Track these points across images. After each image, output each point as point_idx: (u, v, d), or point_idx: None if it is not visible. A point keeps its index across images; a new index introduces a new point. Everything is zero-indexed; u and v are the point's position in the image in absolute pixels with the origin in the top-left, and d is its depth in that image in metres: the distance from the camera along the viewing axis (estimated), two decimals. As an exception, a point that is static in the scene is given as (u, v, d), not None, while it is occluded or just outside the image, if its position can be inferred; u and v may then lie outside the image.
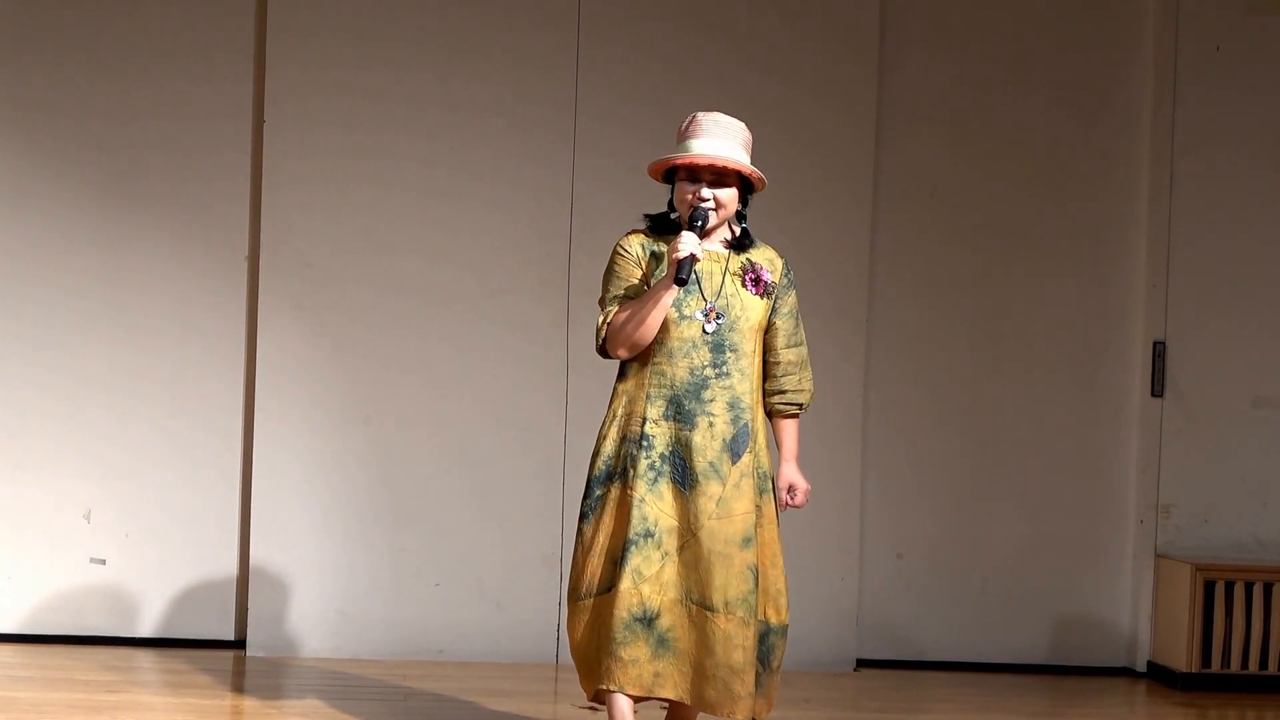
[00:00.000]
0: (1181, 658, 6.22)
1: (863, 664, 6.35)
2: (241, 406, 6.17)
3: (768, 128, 6.14)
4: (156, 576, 6.15)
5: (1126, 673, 6.46)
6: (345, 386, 6.15)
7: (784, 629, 4.44)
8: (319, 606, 6.12)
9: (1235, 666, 6.20)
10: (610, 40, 6.20)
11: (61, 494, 6.12)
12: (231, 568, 6.19)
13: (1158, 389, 6.43)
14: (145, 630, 6.16)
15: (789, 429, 4.52)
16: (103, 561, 6.14)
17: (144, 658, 5.95)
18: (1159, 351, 6.43)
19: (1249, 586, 6.21)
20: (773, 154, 6.14)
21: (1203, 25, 6.44)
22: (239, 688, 5.61)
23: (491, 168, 6.18)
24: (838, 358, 6.24)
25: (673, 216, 4.43)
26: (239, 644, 6.17)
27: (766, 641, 4.39)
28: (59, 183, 6.13)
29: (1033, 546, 6.43)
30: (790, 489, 4.51)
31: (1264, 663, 6.21)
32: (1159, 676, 6.36)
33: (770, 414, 4.51)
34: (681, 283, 4.25)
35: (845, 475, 6.27)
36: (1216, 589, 6.20)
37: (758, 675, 4.36)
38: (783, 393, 4.49)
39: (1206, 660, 6.20)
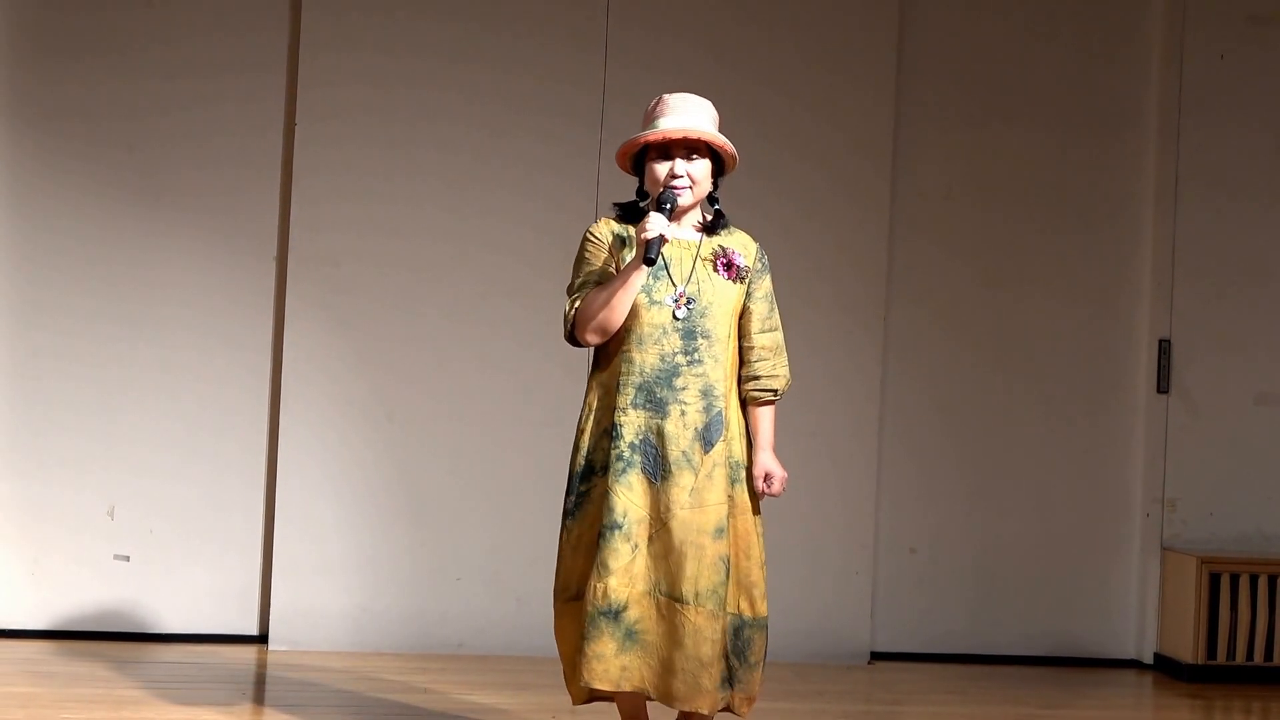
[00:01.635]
0: (1188, 649, 6.18)
1: (876, 656, 6.31)
2: (267, 404, 6.11)
3: (786, 139, 6.24)
4: (180, 572, 6.08)
5: (1134, 664, 6.44)
6: (369, 384, 6.09)
7: (760, 622, 4.26)
8: (341, 601, 6.06)
9: (1241, 658, 6.19)
10: (633, 54, 6.16)
11: (85, 490, 6.05)
12: (254, 563, 6.12)
13: (1163, 386, 6.41)
14: (168, 626, 6.09)
15: (764, 416, 4.33)
16: (126, 558, 6.07)
17: (167, 653, 5.89)
18: (1164, 349, 6.41)
19: (1254, 579, 6.20)
20: (792, 164, 6.23)
21: (1207, 34, 6.45)
22: (261, 681, 5.56)
23: (515, 176, 6.14)
24: (855, 358, 6.25)
25: (642, 205, 4.30)
26: (262, 638, 6.10)
27: (742, 635, 4.23)
28: (91, 185, 6.06)
29: (1042, 540, 6.41)
30: (767, 477, 4.30)
31: (1269, 654, 6.21)
32: (1165, 668, 6.32)
33: (744, 401, 4.33)
34: (650, 262, 4.08)
35: (860, 471, 6.25)
36: (1222, 581, 6.18)
37: (734, 670, 4.21)
38: (756, 379, 4.32)
39: (1212, 652, 6.18)
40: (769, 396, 4.34)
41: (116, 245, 6.06)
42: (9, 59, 6.02)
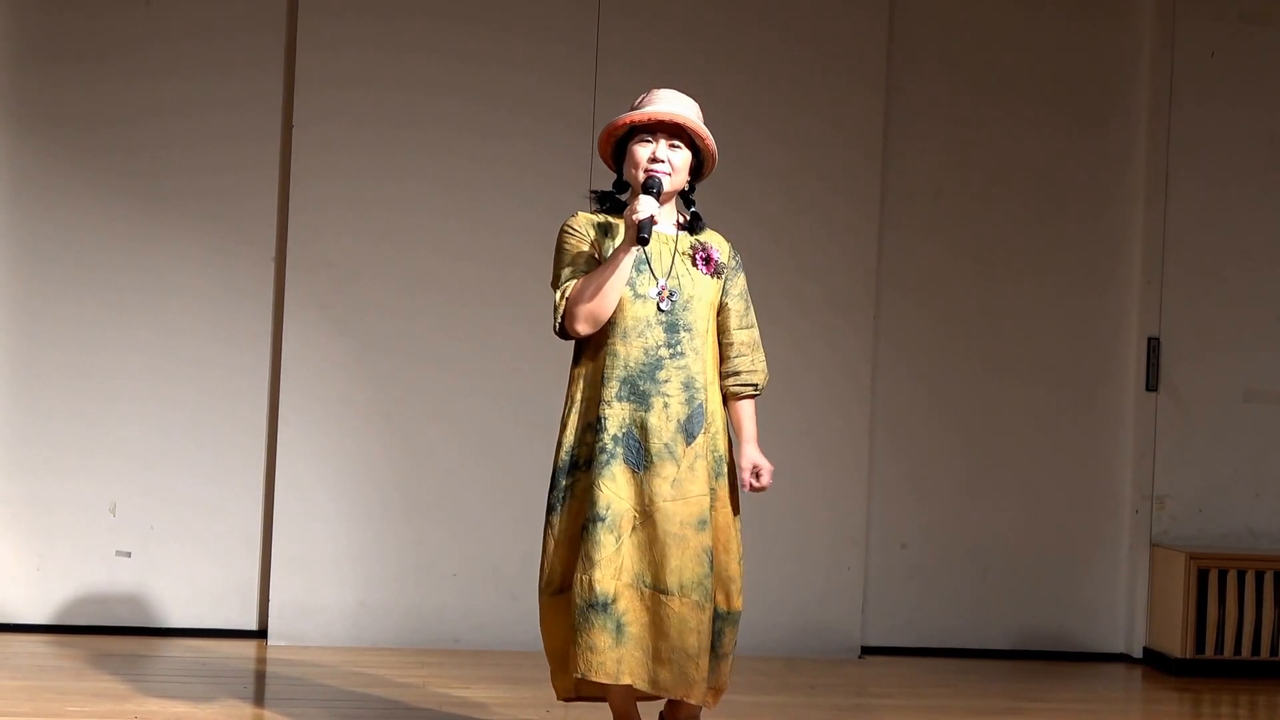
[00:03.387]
0: (1176, 644, 6.17)
1: (867, 651, 6.29)
2: (266, 401, 6.11)
3: (779, 141, 6.21)
4: (181, 568, 6.08)
5: (1123, 659, 6.43)
6: (367, 382, 6.08)
7: (734, 616, 4.23)
8: (339, 596, 6.05)
9: (1228, 652, 6.17)
10: (626, 53, 6.15)
11: (88, 488, 6.05)
12: (254, 559, 6.12)
13: (1152, 384, 6.39)
14: (169, 620, 6.09)
15: (746, 411, 4.32)
16: (128, 554, 6.07)
17: (168, 647, 5.89)
18: (1153, 347, 6.39)
19: (1241, 574, 6.18)
20: (784, 166, 6.22)
21: (1198, 33, 6.43)
22: (261, 676, 5.56)
23: (512, 166, 6.13)
24: (847, 357, 6.24)
25: (620, 197, 4.28)
26: (261, 633, 6.10)
27: (714, 627, 4.19)
28: (90, 186, 6.05)
29: (1032, 537, 6.39)
30: (755, 470, 4.28)
31: (1256, 648, 6.18)
32: (1154, 662, 6.31)
33: (726, 397, 4.31)
34: (644, 242, 4.03)
35: (851, 468, 6.24)
36: (1210, 577, 6.16)
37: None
38: (738, 374, 4.31)
39: (1200, 646, 6.16)
40: (750, 391, 4.33)
41: (116, 246, 6.05)
42: (6, 63, 6.01)
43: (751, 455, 4.30)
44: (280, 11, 6.11)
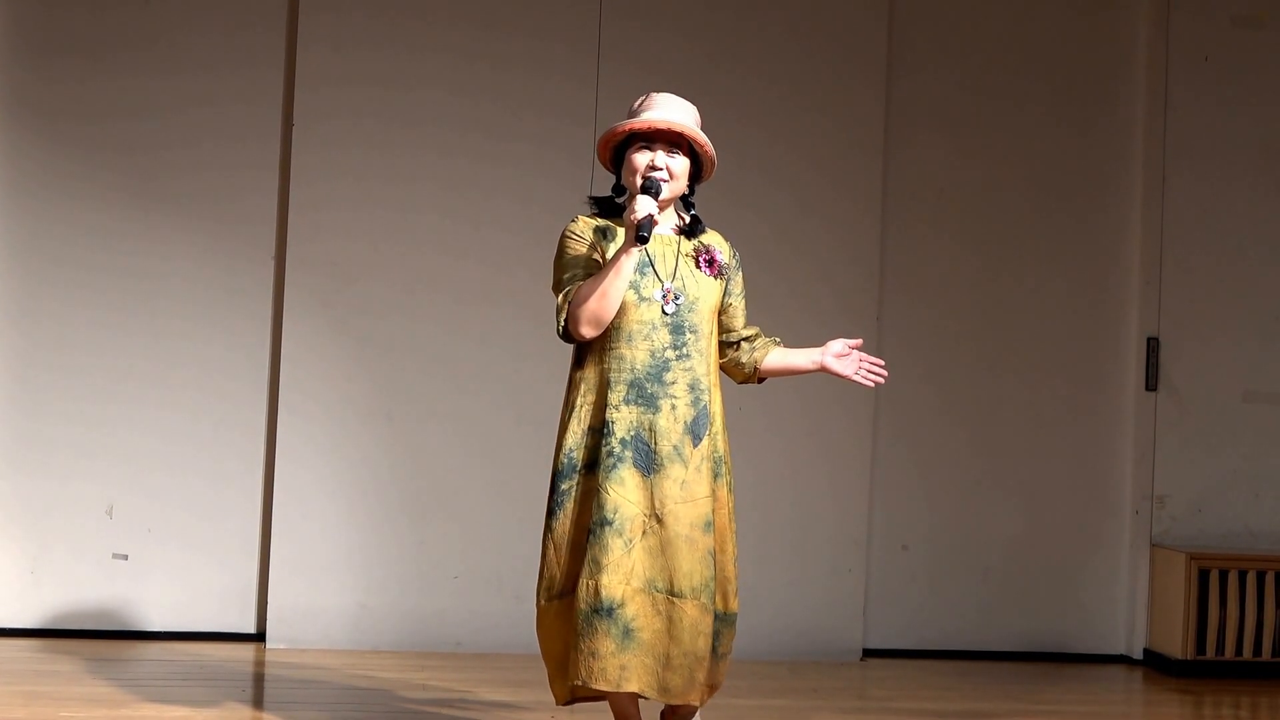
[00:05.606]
0: (1177, 645, 6.13)
1: (869, 654, 6.25)
2: (265, 402, 6.04)
3: (781, 139, 6.17)
4: (178, 571, 6.01)
5: (1123, 660, 6.40)
6: (368, 382, 6.01)
7: (730, 617, 4.19)
8: (339, 599, 5.97)
9: (1229, 653, 6.13)
10: (628, 52, 6.09)
11: (84, 490, 5.97)
12: (253, 561, 6.04)
13: (1152, 384, 6.36)
14: (167, 624, 6.01)
15: (781, 355, 4.33)
16: (125, 557, 5.98)
17: (166, 651, 5.80)
18: (1153, 347, 6.36)
19: (1242, 575, 6.14)
20: (786, 164, 6.18)
21: (1192, 37, 6.42)
22: (259, 680, 5.48)
23: (514, 165, 6.07)
24: (849, 357, 6.18)
25: (619, 200, 4.24)
26: (259, 637, 6.02)
27: (713, 629, 4.12)
28: (88, 184, 5.98)
29: (1032, 537, 6.36)
30: (840, 351, 4.31)
31: (1257, 649, 6.15)
32: (1155, 663, 6.27)
33: (755, 370, 4.32)
34: (643, 240, 3.99)
35: (853, 469, 6.20)
36: (1210, 578, 6.13)
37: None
38: (740, 364, 4.33)
39: (1201, 647, 6.12)
40: (757, 364, 4.34)
41: (115, 245, 5.98)
42: (6, 59, 5.94)
43: (828, 348, 4.32)
44: (281, 8, 6.05)
